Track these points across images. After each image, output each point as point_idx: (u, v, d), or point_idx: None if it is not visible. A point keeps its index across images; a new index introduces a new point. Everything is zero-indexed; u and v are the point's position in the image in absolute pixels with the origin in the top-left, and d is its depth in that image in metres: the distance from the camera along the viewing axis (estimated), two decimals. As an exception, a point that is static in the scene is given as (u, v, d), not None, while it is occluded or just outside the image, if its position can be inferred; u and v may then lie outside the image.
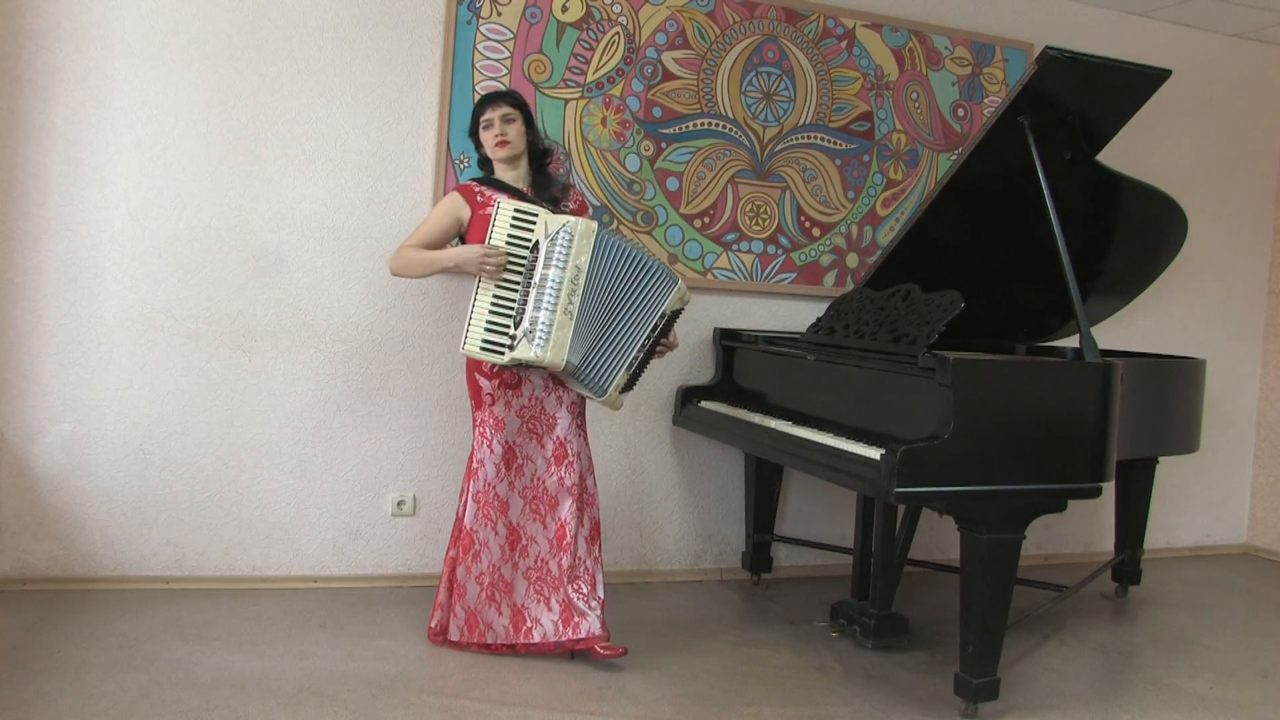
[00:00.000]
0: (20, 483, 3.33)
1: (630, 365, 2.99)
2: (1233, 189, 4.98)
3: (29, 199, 3.28)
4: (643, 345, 2.99)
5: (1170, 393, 3.64)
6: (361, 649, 3.04)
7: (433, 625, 3.11)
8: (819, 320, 3.57)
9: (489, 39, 3.67)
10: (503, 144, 3.04)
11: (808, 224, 4.16)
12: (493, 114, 3.05)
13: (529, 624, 3.01)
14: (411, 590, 3.64)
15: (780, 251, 4.13)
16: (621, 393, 3.01)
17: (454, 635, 3.04)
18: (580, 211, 3.17)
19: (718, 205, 4.02)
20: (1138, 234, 3.67)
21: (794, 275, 4.16)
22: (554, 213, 3.00)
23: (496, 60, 3.69)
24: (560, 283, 2.87)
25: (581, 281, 2.89)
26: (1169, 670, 3.31)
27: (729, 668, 3.10)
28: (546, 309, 2.86)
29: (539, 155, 3.16)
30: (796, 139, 4.12)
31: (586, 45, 3.80)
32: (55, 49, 3.27)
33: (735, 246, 4.05)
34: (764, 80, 4.06)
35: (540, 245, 2.89)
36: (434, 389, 3.69)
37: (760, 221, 4.09)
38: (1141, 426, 3.40)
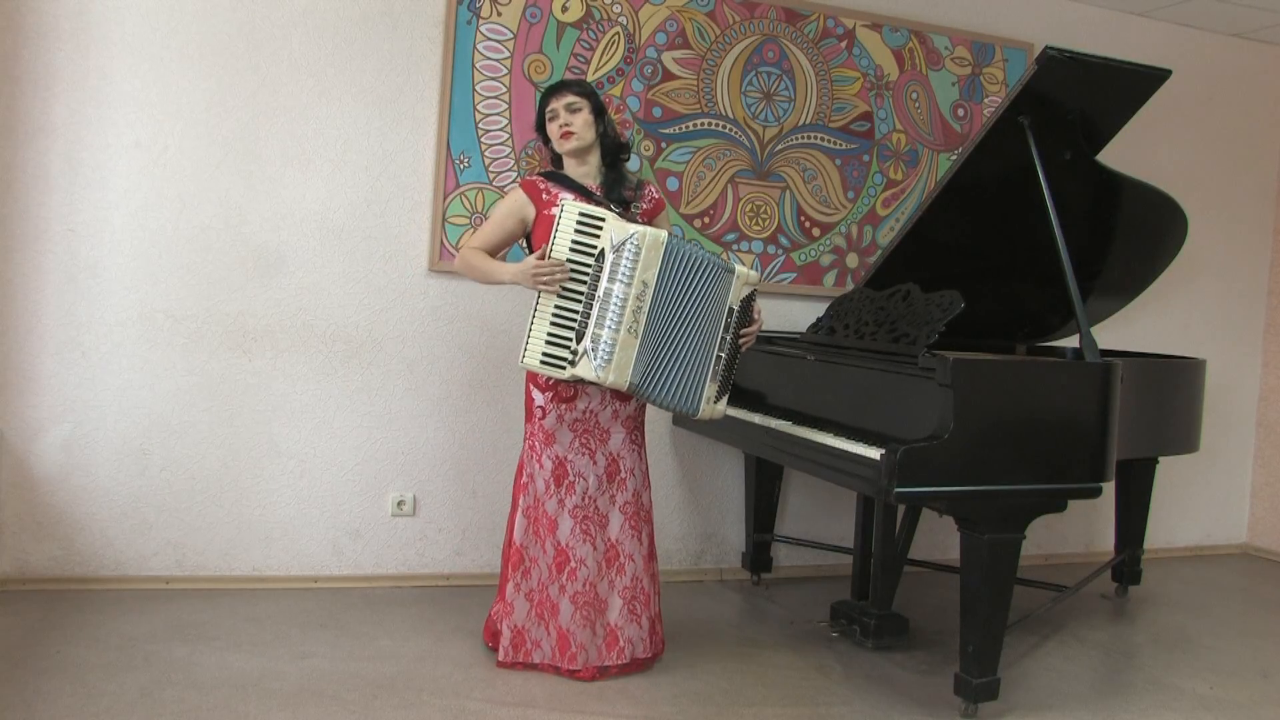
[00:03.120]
0: (20, 483, 3.33)
1: (715, 374, 2.80)
2: (1233, 189, 4.98)
3: (29, 199, 3.28)
4: (720, 347, 2.81)
5: (1170, 393, 3.64)
6: (361, 649, 3.04)
7: (499, 645, 2.96)
8: (819, 320, 3.57)
9: (489, 39, 3.67)
10: (568, 135, 2.84)
11: (808, 224, 4.16)
12: (557, 103, 2.86)
13: (574, 649, 2.86)
14: (411, 590, 3.65)
15: (780, 251, 4.13)
16: (717, 402, 2.83)
17: (502, 656, 2.91)
18: (656, 210, 2.98)
19: (718, 205, 4.02)
20: (1138, 234, 3.67)
21: (794, 275, 4.16)
22: (623, 215, 2.80)
23: (496, 60, 3.69)
24: (625, 299, 2.65)
25: (648, 298, 2.68)
26: (1169, 670, 3.31)
27: (729, 668, 3.10)
28: (610, 327, 2.65)
29: (613, 150, 2.94)
30: (796, 139, 4.12)
31: (586, 45, 3.80)
32: (55, 49, 3.27)
33: (735, 246, 4.05)
34: (764, 80, 4.06)
35: (605, 255, 2.66)
36: (434, 389, 3.69)
37: (760, 221, 4.09)
38: (1141, 426, 3.40)
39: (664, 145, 3.92)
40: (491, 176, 3.68)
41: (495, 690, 2.80)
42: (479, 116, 3.66)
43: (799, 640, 3.39)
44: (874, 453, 2.71)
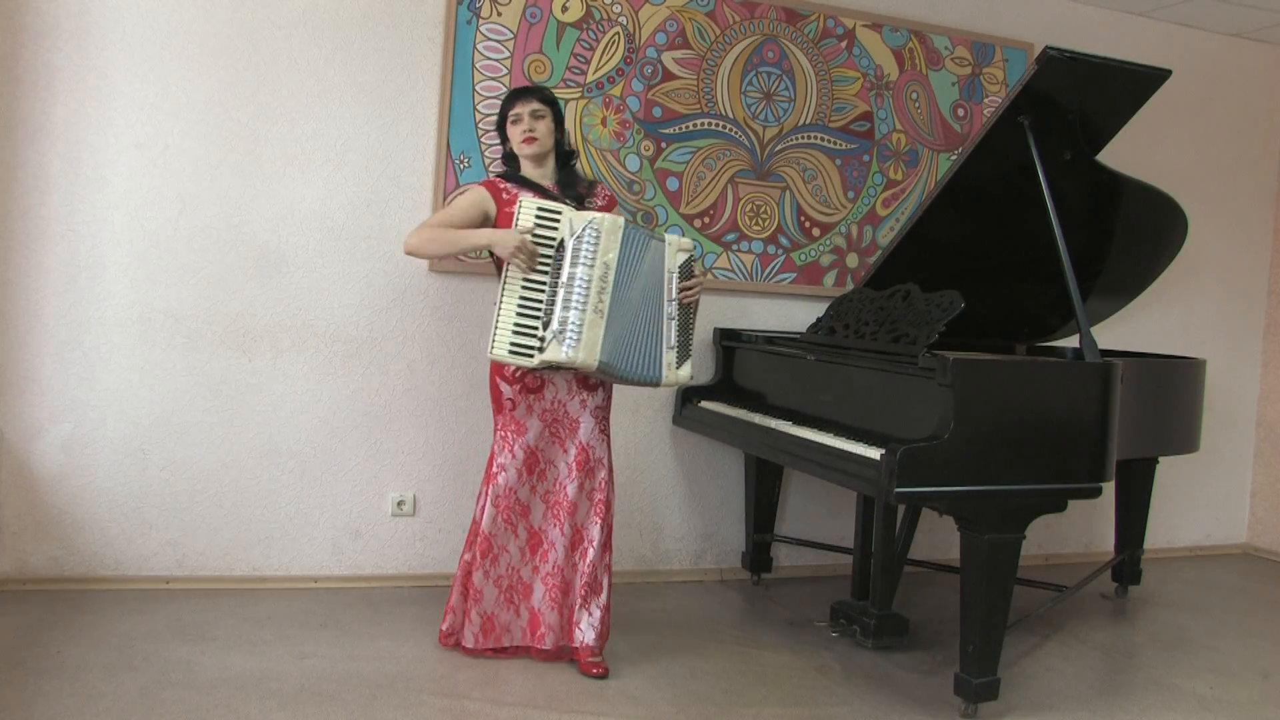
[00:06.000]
0: (20, 483, 3.33)
1: (670, 340, 2.92)
2: (1233, 189, 4.98)
3: (29, 199, 3.28)
4: (670, 316, 2.92)
5: (1170, 393, 3.64)
6: (361, 649, 3.04)
7: (444, 628, 3.05)
8: (819, 320, 3.57)
9: (489, 39, 3.67)
10: (530, 140, 2.96)
11: (808, 224, 4.16)
12: (522, 109, 2.97)
13: (543, 629, 2.96)
14: (411, 590, 3.65)
15: (780, 251, 4.13)
16: (679, 368, 2.94)
17: (469, 642, 2.98)
18: (609, 208, 3.08)
19: (718, 205, 4.02)
20: (1138, 234, 3.67)
21: (794, 275, 4.16)
22: (578, 210, 2.91)
23: (496, 60, 3.69)
24: (589, 281, 2.76)
25: (611, 278, 2.79)
26: (1169, 670, 3.31)
27: (729, 668, 3.10)
28: (576, 308, 2.75)
29: (565, 155, 3.08)
30: (796, 139, 4.12)
31: (586, 45, 3.80)
32: (55, 49, 3.27)
33: (735, 246, 4.05)
34: (764, 80, 4.06)
35: (566, 243, 2.79)
36: (434, 389, 3.69)
37: (760, 221, 4.09)
38: (1141, 426, 3.40)
39: (664, 145, 3.92)
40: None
41: (495, 690, 2.80)
42: (479, 116, 3.66)
43: (799, 640, 3.39)
44: (874, 453, 2.71)
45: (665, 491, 4.01)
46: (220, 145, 3.44)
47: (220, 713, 2.54)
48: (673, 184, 3.94)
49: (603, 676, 2.92)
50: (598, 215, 2.81)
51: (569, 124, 3.78)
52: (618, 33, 3.84)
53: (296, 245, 3.53)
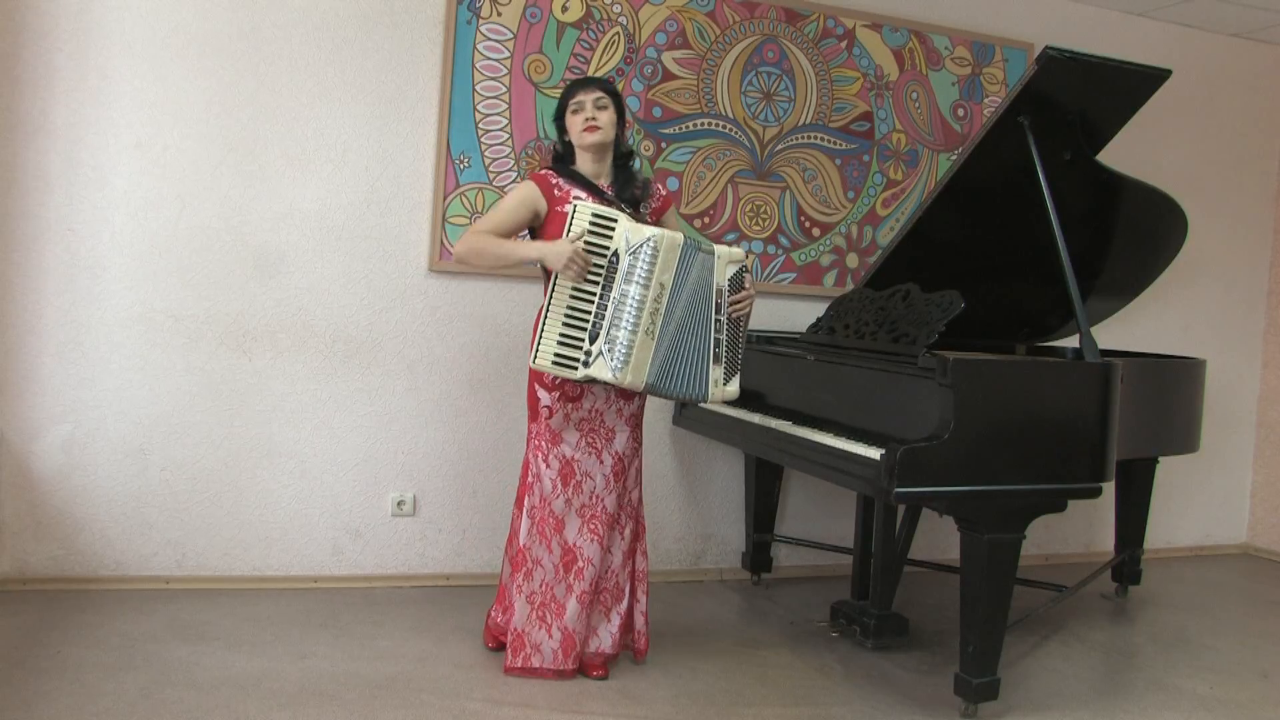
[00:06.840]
0: (20, 483, 3.33)
1: (718, 357, 2.80)
2: (1233, 189, 4.98)
3: (29, 199, 3.28)
4: (718, 329, 2.80)
5: (1170, 393, 3.64)
6: (361, 649, 3.04)
7: (488, 645, 3.06)
8: (819, 320, 3.57)
9: (489, 39, 3.67)
10: (593, 129, 2.83)
11: (808, 224, 4.16)
12: (585, 97, 2.85)
13: (578, 649, 2.89)
14: (411, 590, 3.65)
15: (780, 251, 4.13)
16: (726, 384, 2.83)
17: (507, 662, 2.88)
18: (664, 207, 3.01)
19: (718, 205, 4.02)
20: (1138, 234, 3.67)
21: (794, 275, 4.16)
22: (634, 216, 2.82)
23: (496, 60, 3.69)
24: (643, 301, 2.67)
25: (664, 300, 2.70)
26: (1169, 670, 3.31)
27: (729, 668, 3.10)
28: (627, 328, 2.66)
29: (622, 155, 2.97)
30: (796, 139, 4.12)
31: (586, 45, 3.80)
32: (55, 49, 3.27)
33: (735, 247, 4.05)
34: (764, 80, 4.06)
35: (621, 256, 2.68)
36: (434, 389, 3.69)
37: (760, 221, 4.09)
38: (1141, 426, 3.40)
39: (664, 145, 3.92)
40: (491, 176, 3.68)
41: (495, 690, 2.80)
42: (479, 116, 3.67)
43: (799, 640, 3.39)
44: (874, 453, 2.71)
45: (665, 491, 4.01)
46: (220, 145, 3.44)
47: (220, 713, 2.54)
48: (673, 184, 3.94)
49: (603, 678, 2.91)
50: (656, 232, 2.70)
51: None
52: (618, 33, 3.84)
53: (296, 245, 3.53)
